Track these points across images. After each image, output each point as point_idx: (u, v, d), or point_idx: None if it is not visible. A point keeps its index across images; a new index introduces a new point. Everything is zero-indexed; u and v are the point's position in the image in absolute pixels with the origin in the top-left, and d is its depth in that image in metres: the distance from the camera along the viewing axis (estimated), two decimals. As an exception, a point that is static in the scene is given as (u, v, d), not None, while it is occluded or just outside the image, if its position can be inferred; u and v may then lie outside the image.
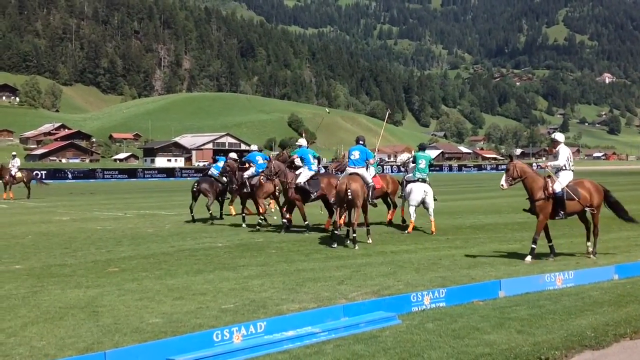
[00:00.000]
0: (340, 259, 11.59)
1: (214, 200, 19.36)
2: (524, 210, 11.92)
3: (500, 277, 9.01)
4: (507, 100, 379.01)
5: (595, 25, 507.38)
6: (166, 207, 25.92)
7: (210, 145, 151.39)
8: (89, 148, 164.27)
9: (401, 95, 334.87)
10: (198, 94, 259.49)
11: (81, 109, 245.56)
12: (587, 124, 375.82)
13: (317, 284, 9.18)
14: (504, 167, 12.32)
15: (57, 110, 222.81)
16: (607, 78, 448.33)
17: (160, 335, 6.44)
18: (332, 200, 15.11)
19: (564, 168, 11.64)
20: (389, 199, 17.86)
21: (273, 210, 20.87)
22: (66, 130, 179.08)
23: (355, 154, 14.03)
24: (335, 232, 13.55)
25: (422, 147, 17.44)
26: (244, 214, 18.32)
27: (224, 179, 19.12)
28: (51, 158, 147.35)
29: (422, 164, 16.72)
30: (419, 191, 16.36)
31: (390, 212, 17.82)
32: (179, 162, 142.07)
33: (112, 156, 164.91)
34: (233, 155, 19.09)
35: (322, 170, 18.23)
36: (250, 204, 18.78)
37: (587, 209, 11.50)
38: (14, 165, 32.31)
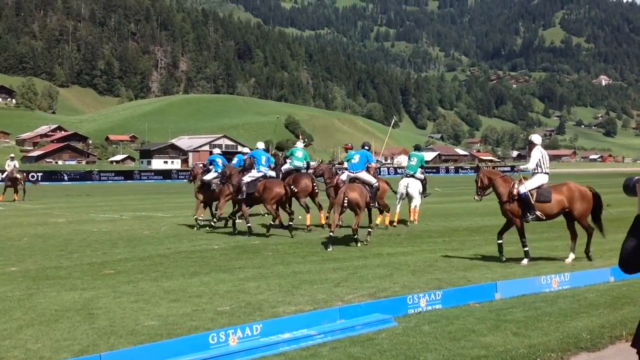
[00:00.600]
0: (337, 261, 11.58)
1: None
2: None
3: (496, 279, 9.01)
4: (503, 102, 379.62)
5: (591, 27, 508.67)
6: (162, 209, 25.90)
7: (207, 147, 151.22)
8: (86, 150, 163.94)
9: (398, 97, 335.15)
10: (195, 96, 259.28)
11: (78, 110, 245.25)
12: (583, 126, 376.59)
13: (313, 286, 9.17)
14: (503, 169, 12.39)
15: (53, 112, 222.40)
16: (604, 80, 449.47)
17: (155, 338, 6.43)
18: (271, 202, 15.27)
19: (537, 171, 11.57)
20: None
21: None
22: (62, 132, 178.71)
23: (356, 158, 14.38)
24: (331, 234, 13.53)
25: (416, 148, 19.62)
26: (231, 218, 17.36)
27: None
28: (47, 160, 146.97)
29: (414, 161, 18.37)
30: (401, 185, 18.04)
31: (380, 215, 17.36)
32: (175, 164, 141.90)
33: (108, 158, 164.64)
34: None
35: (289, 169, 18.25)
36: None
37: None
38: (11, 167, 32.25)
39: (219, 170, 17.11)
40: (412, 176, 18.15)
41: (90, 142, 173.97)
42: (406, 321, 7.05)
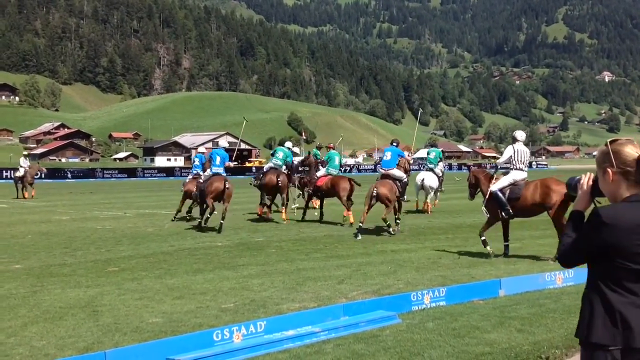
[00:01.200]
0: (341, 258, 11.58)
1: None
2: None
3: (500, 276, 9.01)
4: (506, 98, 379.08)
5: (594, 23, 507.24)
6: (166, 206, 25.89)
7: (209, 145, 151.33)
8: (89, 147, 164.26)
9: (401, 94, 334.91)
10: (197, 93, 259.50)
11: (81, 108, 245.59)
12: (586, 122, 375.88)
13: (317, 283, 9.17)
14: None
15: (56, 110, 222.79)
16: (607, 76, 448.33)
17: (160, 335, 6.44)
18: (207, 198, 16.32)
19: (513, 167, 11.63)
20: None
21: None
22: (66, 129, 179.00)
23: (388, 155, 15.75)
24: (361, 224, 14.66)
25: (433, 145, 22.33)
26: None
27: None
28: (51, 157, 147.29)
29: (432, 155, 20.71)
30: (418, 178, 19.55)
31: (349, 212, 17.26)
32: (178, 162, 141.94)
33: (111, 155, 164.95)
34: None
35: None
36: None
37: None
38: (25, 166, 32.45)
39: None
40: (432, 170, 20.11)
41: (93, 139, 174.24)
42: (410, 318, 7.05)
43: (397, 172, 15.39)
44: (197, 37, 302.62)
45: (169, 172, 79.60)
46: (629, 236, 2.62)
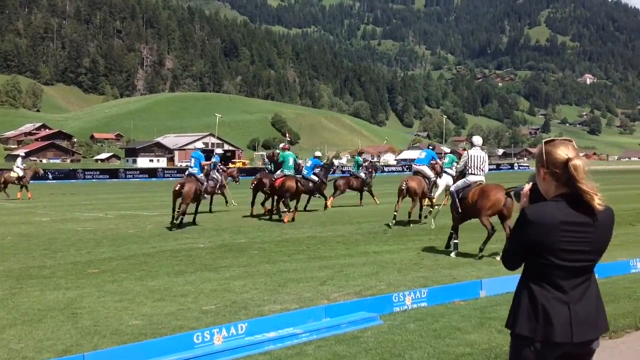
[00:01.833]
0: (323, 260, 11.58)
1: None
2: None
3: (481, 277, 9.05)
4: (489, 100, 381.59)
5: (576, 26, 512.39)
6: (148, 207, 25.76)
7: (192, 146, 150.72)
8: (70, 148, 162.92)
9: (385, 95, 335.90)
10: (181, 94, 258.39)
11: (62, 108, 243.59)
12: (568, 124, 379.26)
13: (299, 284, 9.16)
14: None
15: (38, 110, 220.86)
16: (588, 79, 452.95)
17: (140, 337, 6.39)
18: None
19: (468, 172, 12.30)
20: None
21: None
22: (47, 130, 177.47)
23: (422, 155, 18.04)
24: (395, 213, 16.94)
25: (452, 151, 24.95)
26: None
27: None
28: (32, 158, 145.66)
29: (447, 160, 22.39)
30: (442, 182, 20.74)
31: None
32: (161, 163, 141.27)
33: (93, 156, 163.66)
34: (219, 151, 20.12)
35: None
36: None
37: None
38: (20, 167, 32.59)
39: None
40: (445, 172, 21.18)
41: (75, 140, 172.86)
42: (392, 319, 7.06)
43: (427, 170, 17.39)
44: (180, 37, 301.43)
45: (151, 173, 79.15)
46: (553, 233, 2.75)
